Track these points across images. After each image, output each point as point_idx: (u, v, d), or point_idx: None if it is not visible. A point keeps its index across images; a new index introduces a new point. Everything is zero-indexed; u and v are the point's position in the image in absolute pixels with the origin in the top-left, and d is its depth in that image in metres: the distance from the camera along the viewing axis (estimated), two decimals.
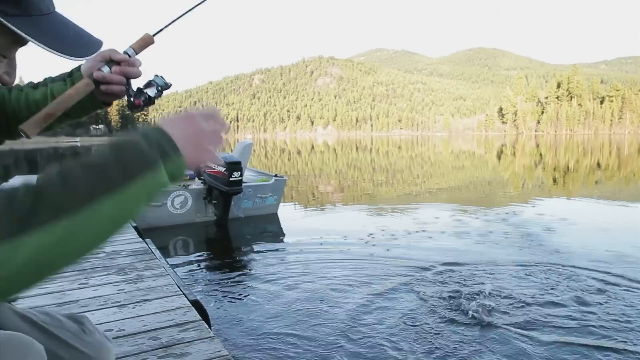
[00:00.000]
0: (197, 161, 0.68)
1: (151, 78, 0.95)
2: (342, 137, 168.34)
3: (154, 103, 0.94)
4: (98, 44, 0.79)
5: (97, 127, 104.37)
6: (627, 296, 3.72)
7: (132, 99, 0.92)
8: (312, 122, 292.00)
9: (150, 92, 0.93)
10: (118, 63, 0.92)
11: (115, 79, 0.91)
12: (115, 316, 2.32)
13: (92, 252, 0.58)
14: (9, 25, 0.65)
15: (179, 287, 2.72)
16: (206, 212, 7.00)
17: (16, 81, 0.81)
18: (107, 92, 0.93)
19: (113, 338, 2.07)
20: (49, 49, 0.68)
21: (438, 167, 20.87)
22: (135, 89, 0.93)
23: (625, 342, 2.95)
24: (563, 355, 2.79)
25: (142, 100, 0.93)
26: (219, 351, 1.96)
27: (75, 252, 0.56)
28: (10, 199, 0.53)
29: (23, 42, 0.71)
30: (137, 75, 0.94)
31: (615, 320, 3.27)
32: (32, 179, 0.59)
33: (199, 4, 1.02)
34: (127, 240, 4.24)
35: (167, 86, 0.95)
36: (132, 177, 0.58)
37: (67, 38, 0.73)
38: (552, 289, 3.91)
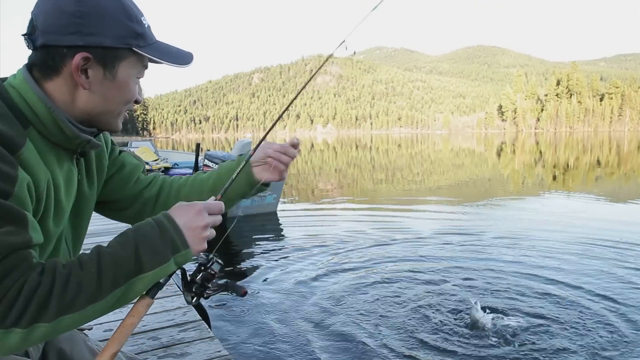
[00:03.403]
0: (199, 250, 0.87)
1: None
2: (342, 135, 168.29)
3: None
4: (190, 55, 0.96)
5: None
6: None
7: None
8: (312, 121, 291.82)
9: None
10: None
11: (284, 159, 1.09)
12: (115, 316, 2.31)
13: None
14: (144, 53, 0.88)
15: (178, 287, 2.71)
16: None
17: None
18: (275, 168, 1.09)
19: None
20: (168, 63, 0.90)
21: (438, 165, 20.86)
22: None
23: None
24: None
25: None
26: (219, 351, 1.96)
27: (78, 324, 0.76)
28: (35, 288, 0.70)
29: (146, 65, 0.93)
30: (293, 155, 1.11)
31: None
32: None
33: None
34: None
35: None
36: (145, 271, 0.79)
37: (174, 54, 0.93)
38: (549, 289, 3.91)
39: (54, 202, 0.86)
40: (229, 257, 5.38)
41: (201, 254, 0.91)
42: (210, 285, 0.95)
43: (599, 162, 19.89)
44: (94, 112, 0.89)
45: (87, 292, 0.74)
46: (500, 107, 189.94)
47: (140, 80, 0.95)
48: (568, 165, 18.47)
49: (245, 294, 0.97)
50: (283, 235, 6.38)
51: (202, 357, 1.90)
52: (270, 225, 7.04)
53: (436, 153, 31.73)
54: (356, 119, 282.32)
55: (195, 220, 0.86)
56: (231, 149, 8.33)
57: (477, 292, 3.80)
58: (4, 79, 0.86)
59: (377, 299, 3.70)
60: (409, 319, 3.30)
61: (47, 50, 0.81)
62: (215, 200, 0.93)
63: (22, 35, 0.83)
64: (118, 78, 0.87)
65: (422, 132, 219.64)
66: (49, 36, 0.80)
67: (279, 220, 7.35)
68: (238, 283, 0.97)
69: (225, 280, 0.99)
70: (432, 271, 4.40)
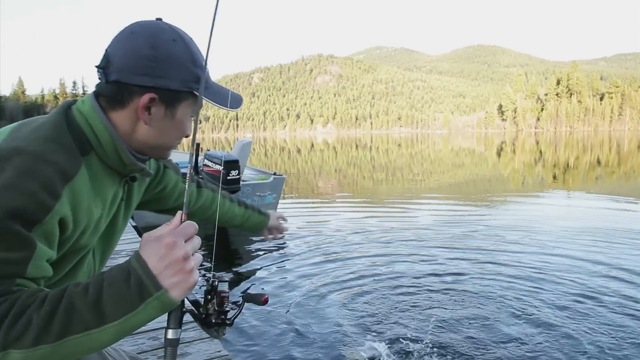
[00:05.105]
0: (190, 286, 0.74)
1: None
2: (342, 135, 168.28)
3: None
4: (240, 99, 1.04)
5: None
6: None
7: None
8: (312, 121, 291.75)
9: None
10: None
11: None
12: None
13: None
14: (204, 97, 0.92)
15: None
16: None
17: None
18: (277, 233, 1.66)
19: None
20: (222, 107, 0.97)
21: (438, 165, 20.86)
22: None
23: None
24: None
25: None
26: (219, 351, 1.96)
27: None
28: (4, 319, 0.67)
29: (201, 105, 0.95)
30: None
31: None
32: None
33: None
34: (127, 240, 4.25)
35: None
36: (109, 321, 0.69)
37: (226, 97, 0.99)
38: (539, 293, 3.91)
39: (94, 223, 0.91)
40: (228, 257, 5.38)
41: (201, 279, 0.81)
42: (227, 308, 0.86)
43: (599, 162, 19.88)
44: (149, 144, 0.96)
45: (34, 331, 0.68)
46: (500, 106, 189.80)
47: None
48: (568, 165, 18.46)
49: (266, 301, 0.94)
50: (283, 236, 6.36)
51: (202, 357, 1.91)
52: None
53: (436, 153, 31.74)
54: (356, 119, 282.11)
55: (169, 255, 0.73)
56: (231, 148, 8.32)
57: (475, 287, 3.80)
58: (74, 102, 0.93)
59: (377, 300, 3.70)
60: (417, 323, 3.30)
61: (118, 86, 0.89)
62: (184, 220, 0.78)
63: (96, 66, 0.91)
64: (176, 117, 0.95)
65: (422, 132, 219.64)
66: (122, 74, 0.88)
67: None
68: (254, 292, 0.91)
69: (241, 294, 0.95)
70: (433, 273, 4.41)
